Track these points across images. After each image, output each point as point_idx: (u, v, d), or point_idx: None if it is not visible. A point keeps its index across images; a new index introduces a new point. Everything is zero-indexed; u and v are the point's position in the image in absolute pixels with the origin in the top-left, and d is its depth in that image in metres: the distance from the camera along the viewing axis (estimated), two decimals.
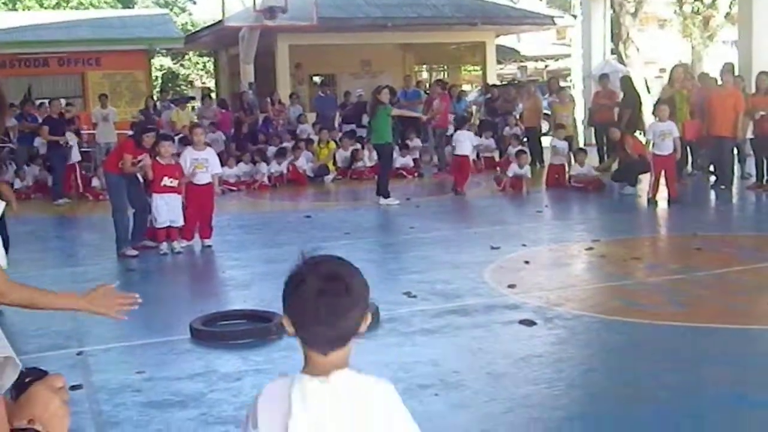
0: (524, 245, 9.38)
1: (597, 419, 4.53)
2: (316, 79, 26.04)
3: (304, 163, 16.85)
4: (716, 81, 14.61)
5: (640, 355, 5.59)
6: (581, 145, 18.29)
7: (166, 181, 9.59)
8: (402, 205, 13.06)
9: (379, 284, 7.76)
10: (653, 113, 13.24)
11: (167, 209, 9.65)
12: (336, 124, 19.70)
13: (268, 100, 19.70)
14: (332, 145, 17.41)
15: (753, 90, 13.88)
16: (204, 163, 9.97)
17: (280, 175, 16.40)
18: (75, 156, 15.56)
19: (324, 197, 15.64)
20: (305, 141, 17.54)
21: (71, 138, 15.35)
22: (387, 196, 13.24)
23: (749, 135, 13.60)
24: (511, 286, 7.33)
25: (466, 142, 14.59)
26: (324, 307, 1.80)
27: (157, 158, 9.62)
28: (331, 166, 17.13)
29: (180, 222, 9.78)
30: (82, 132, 17.77)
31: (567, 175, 14.55)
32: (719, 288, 7.30)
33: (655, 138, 12.26)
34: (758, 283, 7.41)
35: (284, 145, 17.58)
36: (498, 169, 15.63)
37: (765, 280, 7.58)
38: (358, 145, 17.42)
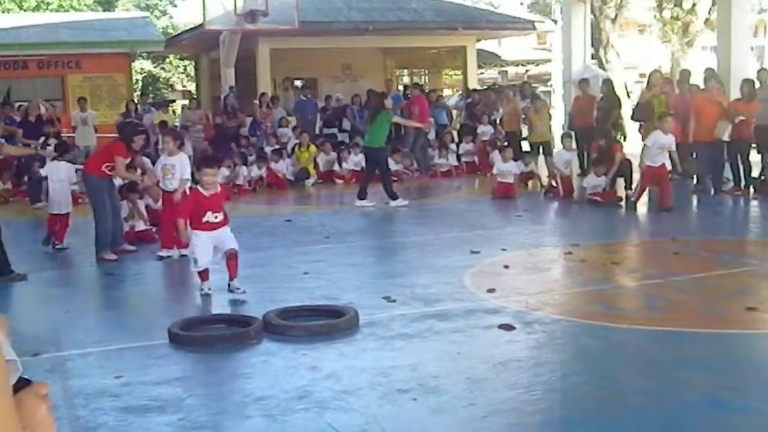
0: (504, 249, 9.40)
1: (575, 423, 4.54)
2: (297, 83, 26.04)
3: (285, 167, 16.82)
4: (697, 85, 14.69)
5: (618, 360, 5.61)
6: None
7: (209, 217, 7.61)
8: (382, 209, 13.07)
9: (359, 288, 7.77)
10: (639, 122, 13.19)
11: (211, 248, 7.69)
12: (317, 128, 19.68)
13: (257, 102, 19.63)
14: (313, 148, 17.38)
15: (731, 95, 13.96)
16: (171, 169, 9.65)
17: (259, 179, 16.35)
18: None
19: (304, 201, 15.63)
20: (286, 145, 17.55)
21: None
22: (395, 198, 13.31)
23: (725, 138, 13.62)
24: (490, 291, 7.34)
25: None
26: None
27: (198, 188, 7.85)
28: (311, 170, 17.12)
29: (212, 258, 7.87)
30: (62, 135, 17.60)
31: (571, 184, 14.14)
32: (697, 292, 7.34)
33: (654, 149, 12.02)
34: (736, 288, 7.45)
35: (266, 149, 17.54)
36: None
37: (743, 284, 7.62)
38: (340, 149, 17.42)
